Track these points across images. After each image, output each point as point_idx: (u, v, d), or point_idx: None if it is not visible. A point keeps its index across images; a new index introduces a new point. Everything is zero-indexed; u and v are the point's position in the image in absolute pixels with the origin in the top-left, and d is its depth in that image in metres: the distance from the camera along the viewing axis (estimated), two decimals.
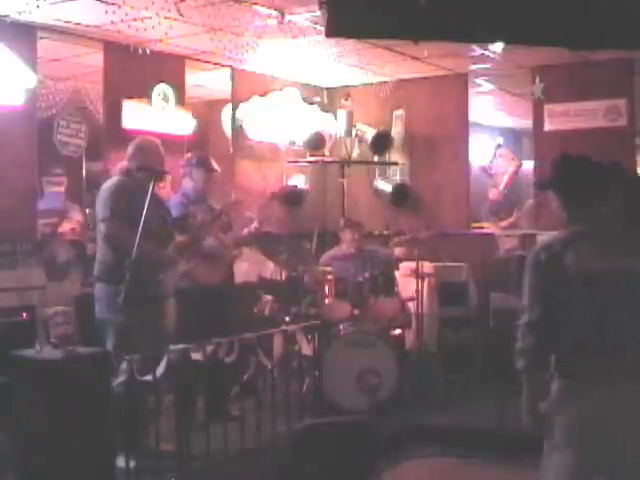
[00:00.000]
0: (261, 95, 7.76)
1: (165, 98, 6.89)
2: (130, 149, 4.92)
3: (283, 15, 5.78)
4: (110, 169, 6.37)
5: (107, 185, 4.80)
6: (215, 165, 5.73)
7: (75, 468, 3.80)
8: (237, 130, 7.71)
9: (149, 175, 4.69)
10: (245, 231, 5.82)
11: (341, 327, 6.15)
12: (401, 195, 8.24)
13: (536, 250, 2.94)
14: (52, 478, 3.82)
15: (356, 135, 8.34)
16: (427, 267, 6.93)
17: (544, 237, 7.40)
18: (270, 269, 6.93)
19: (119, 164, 4.99)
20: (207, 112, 8.26)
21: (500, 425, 5.43)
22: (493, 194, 9.65)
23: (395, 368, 5.93)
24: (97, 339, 4.66)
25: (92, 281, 4.95)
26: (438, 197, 8.16)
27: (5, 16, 5.61)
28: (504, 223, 8.83)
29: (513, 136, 11.23)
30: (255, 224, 5.81)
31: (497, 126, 11.02)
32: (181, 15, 5.70)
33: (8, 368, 4.06)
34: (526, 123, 8.34)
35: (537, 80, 7.59)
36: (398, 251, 6.99)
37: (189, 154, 5.89)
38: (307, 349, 5.69)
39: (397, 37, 4.87)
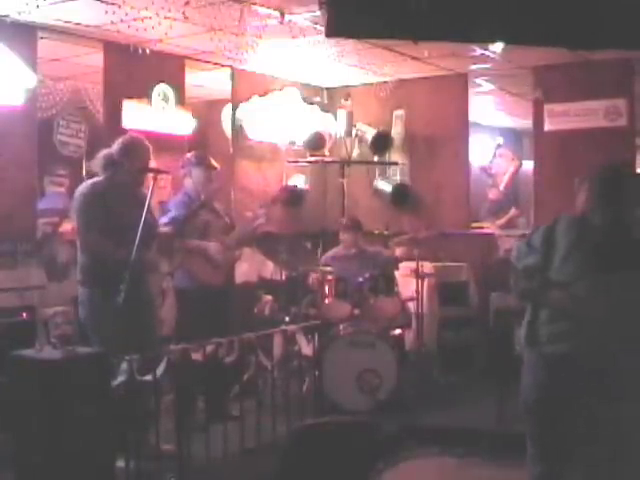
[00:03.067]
0: (261, 95, 7.76)
1: (165, 98, 6.89)
2: (118, 146, 4.79)
3: (283, 15, 5.78)
4: None
5: (81, 191, 4.71)
6: (214, 163, 5.74)
7: (75, 468, 3.80)
8: (237, 130, 7.71)
9: (135, 176, 4.70)
10: (257, 222, 5.79)
11: (341, 327, 6.15)
12: (401, 195, 8.24)
13: None
14: (52, 478, 3.81)
15: (356, 135, 8.34)
16: (427, 267, 6.93)
17: None
18: (270, 269, 6.92)
19: (102, 153, 4.84)
20: (207, 112, 8.26)
21: (500, 425, 5.43)
22: (493, 194, 9.65)
23: (395, 368, 5.93)
24: None
25: None
26: (438, 197, 8.15)
27: (5, 16, 5.61)
28: (501, 220, 8.85)
29: (513, 136, 11.22)
30: (261, 220, 5.80)
31: (497, 126, 11.01)
32: (186, 18, 5.71)
33: (8, 368, 4.06)
34: (526, 123, 8.34)
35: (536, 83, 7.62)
36: (399, 251, 6.99)
37: (188, 154, 5.90)
38: (307, 349, 5.69)
39: (397, 37, 4.86)
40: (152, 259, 4.85)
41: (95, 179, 4.80)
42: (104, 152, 4.83)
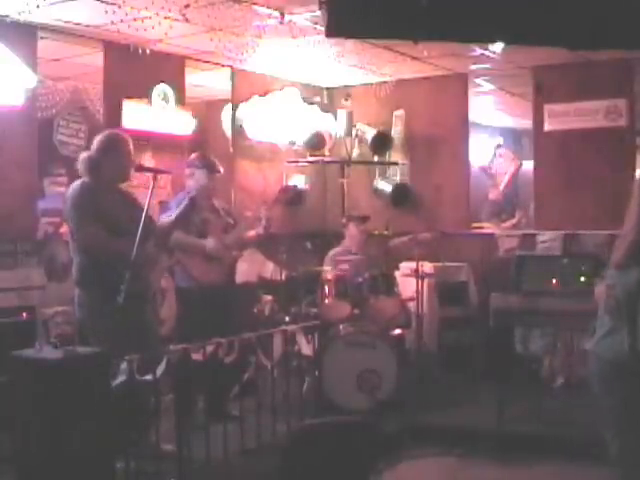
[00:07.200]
0: (261, 95, 7.77)
1: (165, 98, 6.88)
2: (97, 146, 4.71)
3: (283, 15, 5.78)
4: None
5: (71, 192, 4.67)
6: (219, 166, 5.75)
7: (75, 469, 3.80)
8: (237, 130, 7.71)
9: (120, 172, 4.68)
10: (252, 233, 5.81)
11: (341, 327, 6.15)
12: (401, 195, 8.24)
13: None
14: (52, 478, 3.81)
15: (356, 135, 8.35)
16: (427, 267, 6.93)
17: (544, 237, 7.47)
18: (270, 269, 6.93)
19: (82, 156, 4.75)
20: (207, 112, 8.26)
21: (500, 425, 5.44)
22: (494, 194, 9.65)
23: (395, 368, 5.93)
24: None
25: None
26: (438, 197, 8.15)
27: (5, 16, 5.61)
28: (507, 225, 8.83)
29: (513, 136, 11.22)
30: (263, 223, 5.80)
31: (497, 126, 11.02)
32: (186, 20, 5.71)
33: (8, 368, 4.06)
34: (526, 123, 8.34)
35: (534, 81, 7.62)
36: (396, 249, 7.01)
37: (192, 156, 5.89)
38: (307, 349, 5.69)
39: (397, 37, 4.87)
40: (151, 253, 4.81)
41: (82, 180, 4.70)
42: (84, 155, 4.74)
